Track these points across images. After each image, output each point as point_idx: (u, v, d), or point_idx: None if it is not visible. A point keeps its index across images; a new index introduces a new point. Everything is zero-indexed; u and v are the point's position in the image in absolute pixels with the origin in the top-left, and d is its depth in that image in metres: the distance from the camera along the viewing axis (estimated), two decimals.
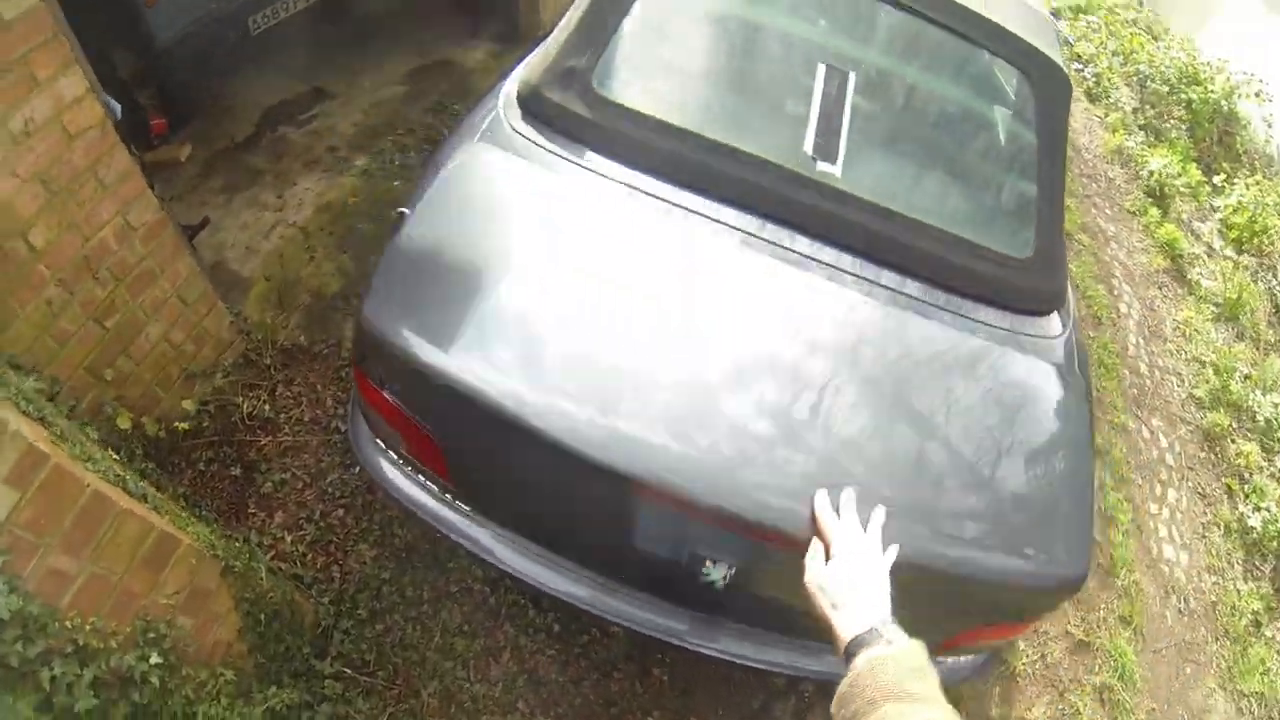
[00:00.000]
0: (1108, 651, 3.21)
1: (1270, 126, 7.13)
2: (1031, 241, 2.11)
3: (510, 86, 2.16)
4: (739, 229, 1.94)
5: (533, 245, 1.81)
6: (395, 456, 1.93)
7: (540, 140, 1.99)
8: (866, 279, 1.95)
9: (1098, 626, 3.28)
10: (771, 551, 1.59)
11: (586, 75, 2.02)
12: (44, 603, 1.43)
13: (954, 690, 2.80)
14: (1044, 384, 1.95)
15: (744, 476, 1.58)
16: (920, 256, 2.00)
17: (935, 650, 1.83)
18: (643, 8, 2.11)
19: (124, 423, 2.32)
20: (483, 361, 1.60)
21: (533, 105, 2.05)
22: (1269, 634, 3.68)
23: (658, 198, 1.94)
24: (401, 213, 1.87)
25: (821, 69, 2.15)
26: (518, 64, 2.30)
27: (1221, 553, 3.91)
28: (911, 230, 2.01)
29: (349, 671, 2.31)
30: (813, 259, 1.94)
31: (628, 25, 2.09)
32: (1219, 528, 4.01)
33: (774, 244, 1.94)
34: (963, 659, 2.12)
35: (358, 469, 2.72)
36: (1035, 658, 3.08)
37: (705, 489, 1.55)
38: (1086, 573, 1.75)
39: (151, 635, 1.69)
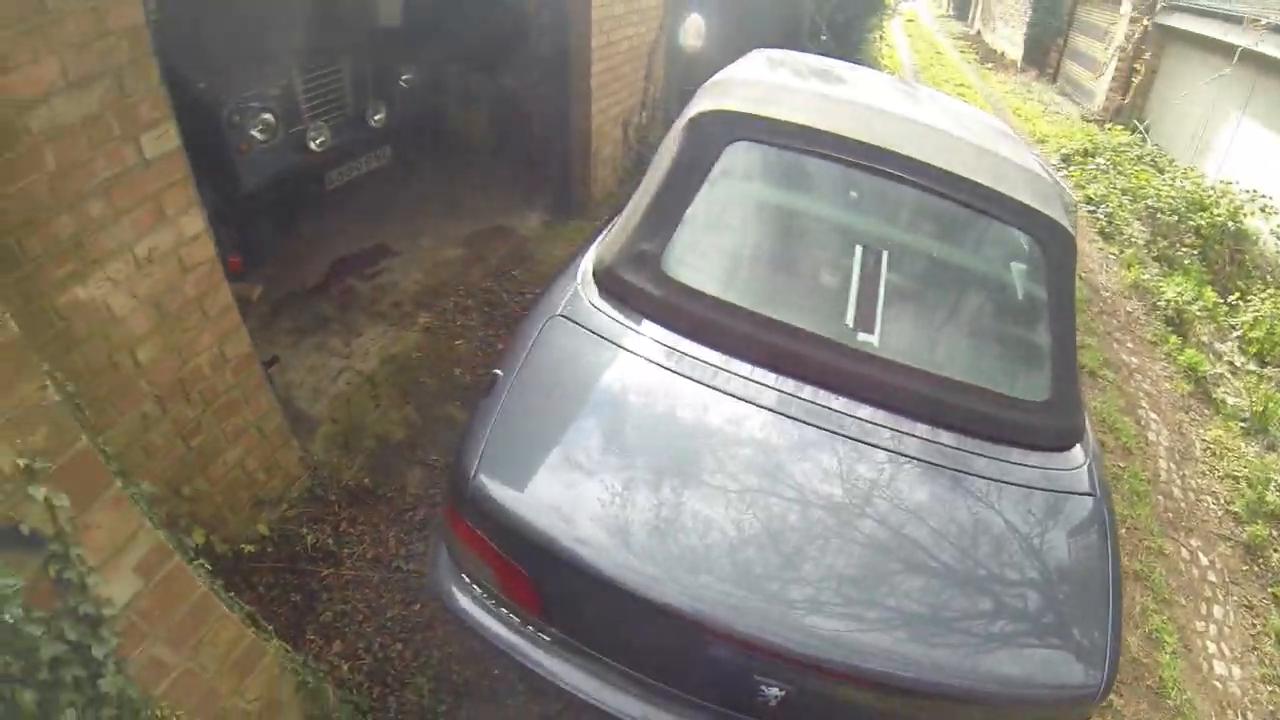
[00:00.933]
0: None
1: (1279, 238, 7.33)
2: (1048, 386, 2.31)
3: (587, 265, 2.46)
4: (792, 395, 2.15)
5: (614, 415, 2.08)
6: (479, 591, 2.09)
7: (616, 316, 2.25)
8: (905, 433, 2.15)
9: None
10: (808, 676, 1.79)
11: (657, 258, 2.29)
12: (141, 689, 1.55)
13: None
14: (1067, 512, 2.15)
15: (796, 619, 1.78)
16: (952, 409, 2.21)
17: None
18: (704, 198, 2.41)
19: (198, 538, 2.43)
20: (577, 525, 1.84)
21: (609, 284, 2.32)
22: None
23: (723, 369, 2.16)
24: (495, 375, 2.16)
25: (859, 250, 2.42)
26: (589, 243, 2.63)
27: (1276, 662, 3.81)
28: (943, 387, 2.23)
29: None
30: (857, 419, 2.14)
31: (690, 214, 2.38)
32: (1270, 637, 3.91)
33: (822, 407, 2.14)
34: None
35: (419, 606, 2.85)
36: None
37: (762, 631, 1.75)
38: (1107, 683, 1.87)
39: None
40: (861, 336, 2.25)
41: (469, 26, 5.08)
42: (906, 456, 2.11)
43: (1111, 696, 3.32)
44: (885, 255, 2.41)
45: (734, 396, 2.11)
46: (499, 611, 2.06)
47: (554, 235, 5.26)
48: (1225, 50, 8.97)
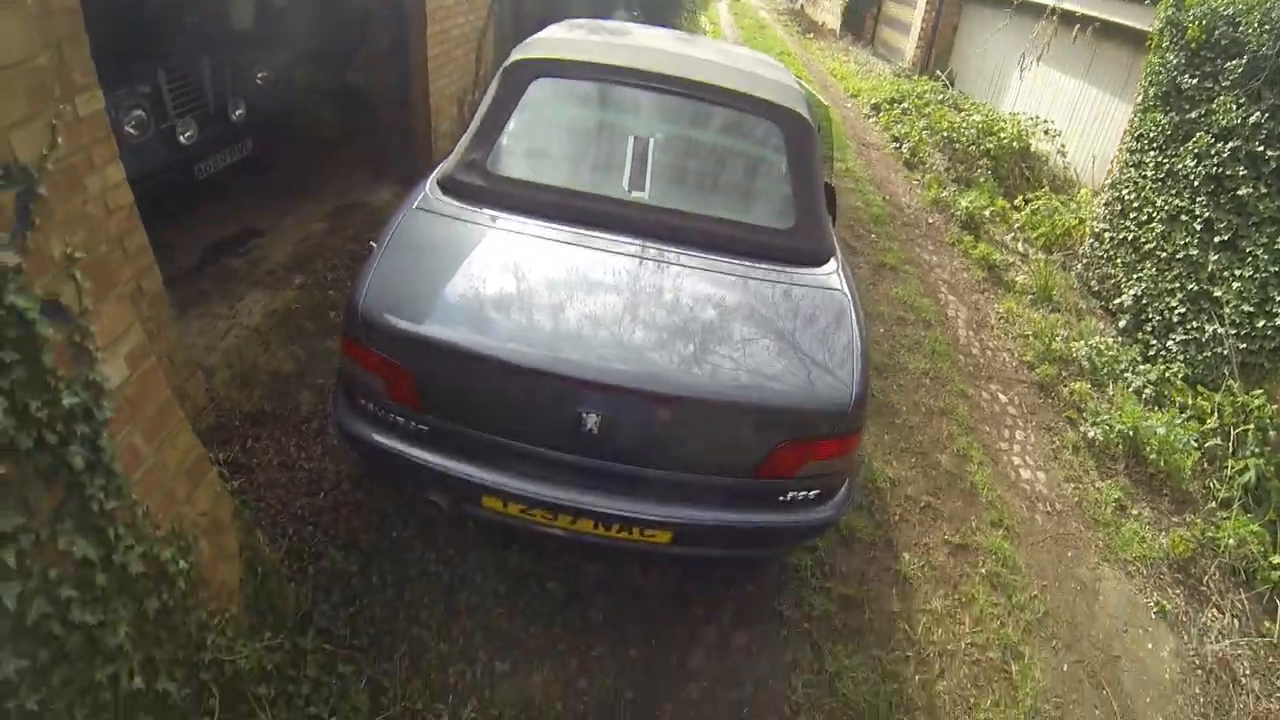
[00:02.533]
0: (987, 549, 3.78)
1: (1064, 155, 8.49)
2: (792, 218, 3.16)
3: (431, 179, 3.18)
4: (592, 236, 2.91)
5: (460, 260, 2.77)
6: (370, 407, 2.64)
7: (454, 203, 3.00)
8: (686, 255, 2.93)
9: (972, 532, 3.87)
10: (621, 401, 2.45)
11: (483, 162, 3.07)
12: (123, 471, 1.86)
13: (854, 592, 3.34)
14: (823, 301, 2.94)
15: (616, 363, 2.45)
16: (712, 235, 3.02)
17: (767, 471, 2.66)
18: (516, 119, 3.18)
19: None
20: (442, 325, 2.52)
21: (449, 186, 3.06)
22: (1135, 512, 4.31)
23: (542, 225, 2.92)
24: (372, 244, 2.81)
25: (630, 139, 3.26)
26: (428, 173, 3.35)
27: (1075, 465, 4.60)
28: (702, 221, 3.06)
29: (328, 646, 2.68)
30: (644, 246, 2.92)
31: (508, 131, 3.16)
32: (1068, 449, 4.71)
33: (616, 240, 2.91)
34: (815, 505, 2.80)
35: (322, 495, 3.29)
36: (921, 563, 3.63)
37: (584, 371, 2.42)
38: (855, 401, 2.60)
39: (182, 543, 2.10)
40: (634, 194, 3.09)
41: (316, 27, 5.52)
42: (692, 269, 2.87)
43: (928, 498, 3.99)
44: (652, 141, 3.25)
45: (554, 240, 2.88)
46: (387, 419, 2.63)
47: None
48: (1016, 6, 10.23)
